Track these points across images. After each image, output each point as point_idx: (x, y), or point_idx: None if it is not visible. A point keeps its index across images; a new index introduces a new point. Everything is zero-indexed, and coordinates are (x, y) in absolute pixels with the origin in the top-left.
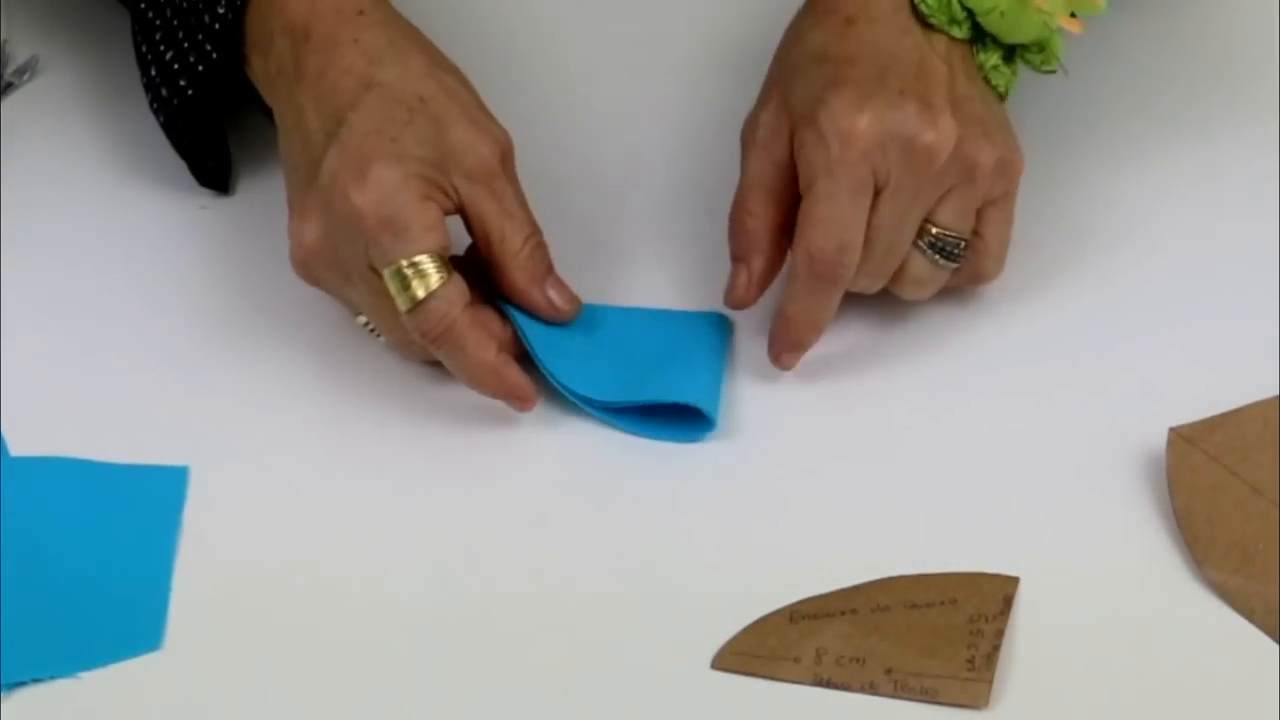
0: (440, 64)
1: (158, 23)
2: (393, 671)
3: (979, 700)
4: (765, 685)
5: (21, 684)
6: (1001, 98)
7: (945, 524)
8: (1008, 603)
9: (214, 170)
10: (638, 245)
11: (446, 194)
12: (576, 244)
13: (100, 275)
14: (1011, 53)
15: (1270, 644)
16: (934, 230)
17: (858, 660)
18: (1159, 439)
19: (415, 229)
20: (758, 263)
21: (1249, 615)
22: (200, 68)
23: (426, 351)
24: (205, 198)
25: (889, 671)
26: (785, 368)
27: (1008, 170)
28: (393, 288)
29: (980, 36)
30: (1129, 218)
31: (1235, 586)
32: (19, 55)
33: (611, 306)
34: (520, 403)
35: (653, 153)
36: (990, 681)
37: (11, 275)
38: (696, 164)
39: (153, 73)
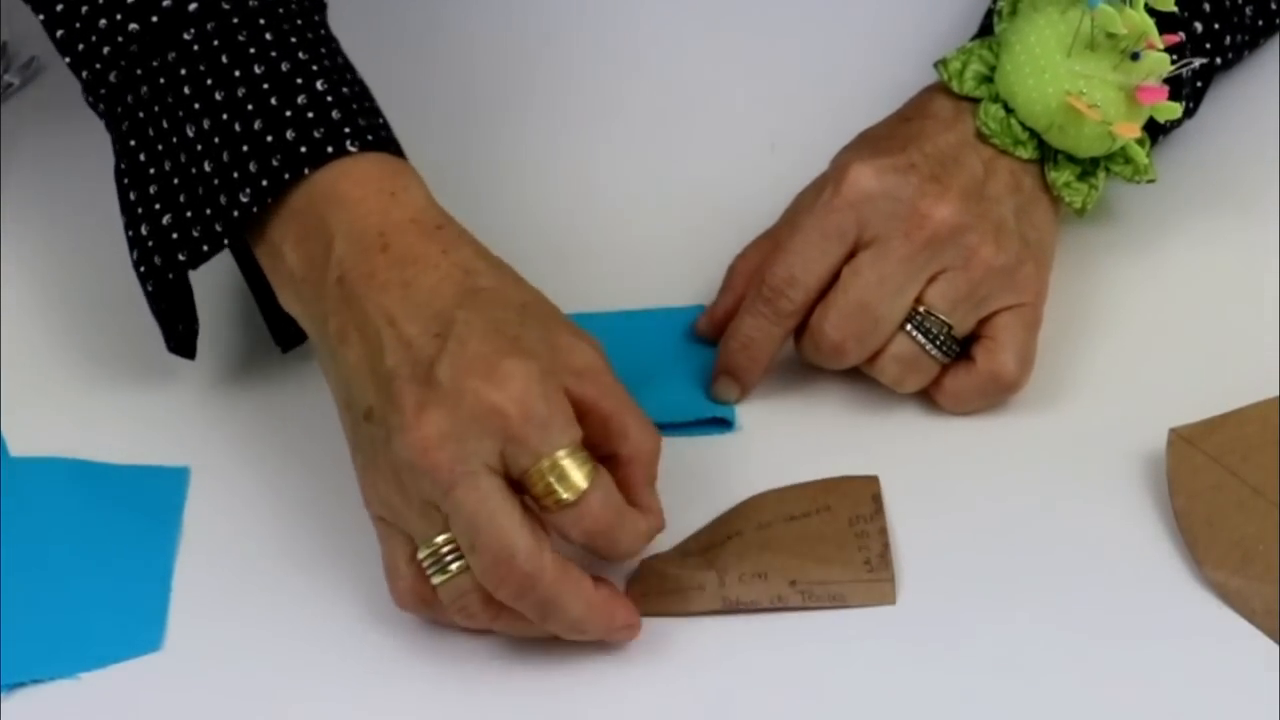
0: (518, 275)
1: (151, 171)
2: (393, 671)
3: (886, 597)
4: (678, 623)
5: (21, 684)
6: (1079, 212)
7: (944, 523)
8: (877, 501)
9: (184, 334)
10: (628, 247)
11: (567, 391)
12: (567, 247)
13: (100, 275)
14: (1092, 168)
15: (1270, 644)
16: (920, 309)
17: (760, 575)
18: (1159, 439)
19: (560, 421)
20: (725, 298)
21: (1249, 615)
22: (205, 248)
23: (518, 592)
24: None
25: (793, 583)
26: (719, 396)
27: (1018, 282)
28: (542, 484)
29: (1053, 154)
30: (1129, 218)
31: (1235, 586)
32: (19, 55)
33: (596, 314)
34: (628, 630)
35: (651, 153)
36: (892, 580)
37: (11, 275)
38: (696, 165)
39: (143, 230)
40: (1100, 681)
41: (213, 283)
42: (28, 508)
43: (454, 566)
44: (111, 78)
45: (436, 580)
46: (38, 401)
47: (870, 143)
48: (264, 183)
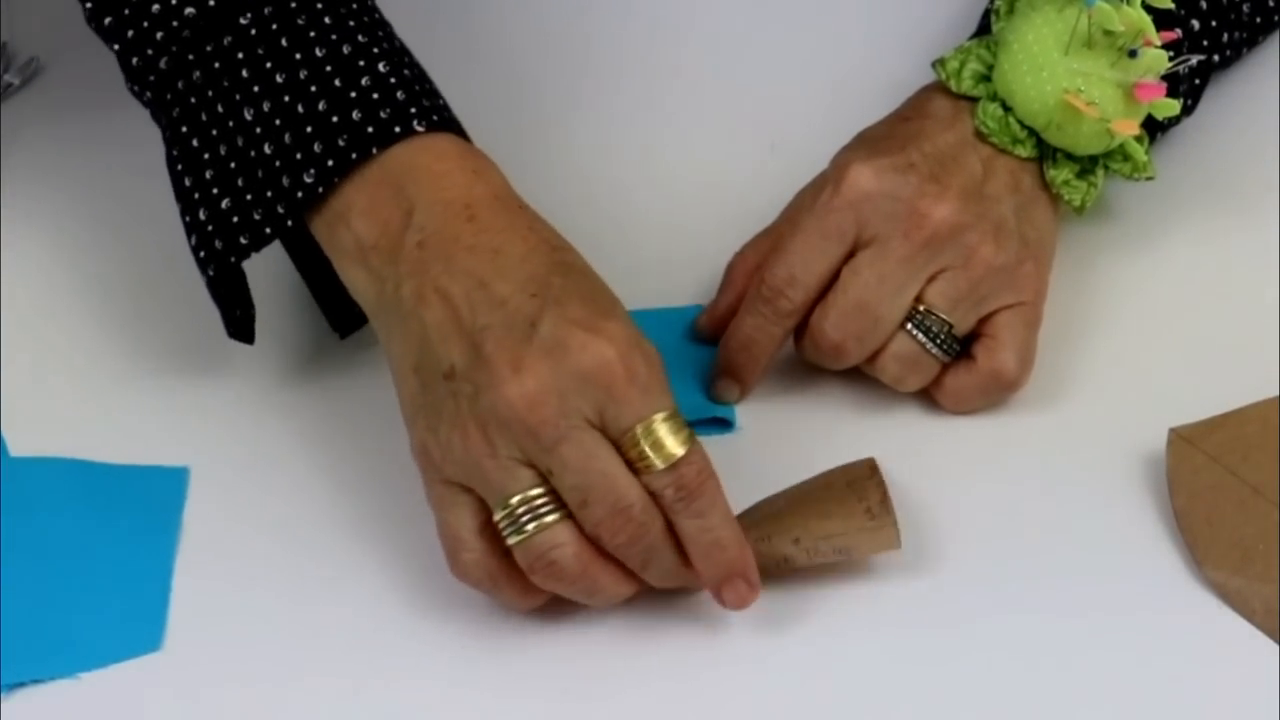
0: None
1: (206, 156)
2: (393, 671)
3: (891, 543)
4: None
5: (21, 684)
6: (1079, 210)
7: (944, 523)
8: (874, 468)
9: (242, 320)
10: (628, 247)
11: None
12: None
13: (100, 275)
14: (1091, 166)
15: (1270, 644)
16: (921, 308)
17: (764, 539)
18: (1159, 439)
19: (660, 385)
20: (724, 297)
21: (1249, 615)
22: (267, 230)
23: (636, 535)
24: None
25: (797, 541)
26: (719, 396)
27: (1018, 281)
28: (640, 446)
29: (1051, 152)
30: (1128, 216)
31: (1235, 586)
32: (19, 55)
33: None
34: (748, 590)
35: (651, 152)
36: (894, 525)
37: (11, 275)
38: (696, 165)
39: (201, 215)
40: (1100, 681)
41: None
42: (28, 508)
43: (531, 526)
44: (163, 64)
45: (513, 540)
46: (38, 401)
47: (869, 143)
48: (330, 163)
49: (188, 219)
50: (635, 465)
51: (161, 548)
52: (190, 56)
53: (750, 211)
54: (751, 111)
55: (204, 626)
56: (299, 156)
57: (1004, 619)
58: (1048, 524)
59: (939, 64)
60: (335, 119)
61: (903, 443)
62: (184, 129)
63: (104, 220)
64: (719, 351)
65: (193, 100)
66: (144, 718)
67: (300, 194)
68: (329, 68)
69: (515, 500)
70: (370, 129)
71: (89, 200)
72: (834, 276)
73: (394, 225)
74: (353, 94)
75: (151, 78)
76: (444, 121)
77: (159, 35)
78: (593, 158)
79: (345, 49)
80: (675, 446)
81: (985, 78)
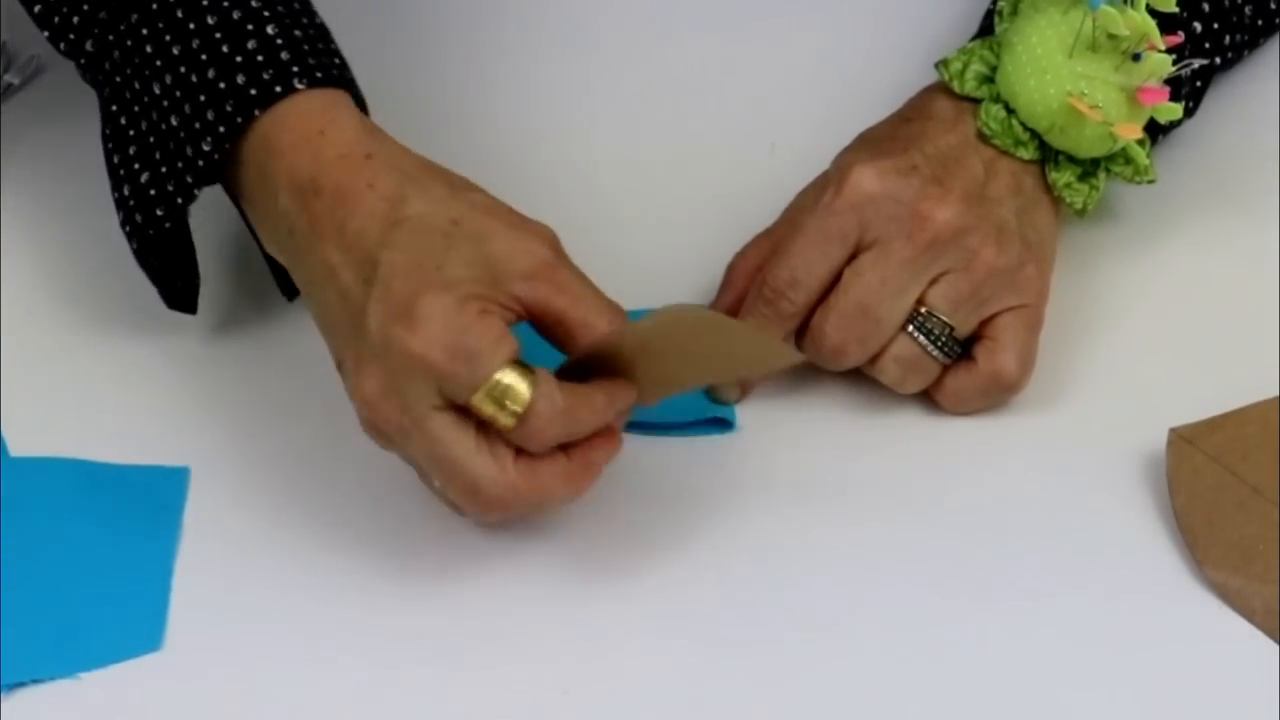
0: (462, 185)
1: (131, 133)
2: (393, 671)
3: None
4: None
5: (21, 684)
6: (1080, 213)
7: (945, 523)
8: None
9: (183, 290)
10: (628, 247)
11: (507, 306)
12: (566, 247)
13: (100, 275)
14: (1093, 169)
15: (1270, 644)
16: (922, 310)
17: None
18: (1159, 439)
19: (485, 346)
20: (725, 297)
21: (1249, 615)
22: (179, 200)
23: (501, 510)
24: None
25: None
26: (719, 397)
27: (1019, 283)
28: (489, 410)
29: (1054, 155)
30: (1129, 218)
31: (1235, 586)
32: (19, 55)
33: None
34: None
35: (650, 153)
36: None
37: (11, 275)
38: (696, 165)
39: (125, 191)
40: (1100, 681)
41: (210, 282)
42: (28, 508)
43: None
44: (89, 46)
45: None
46: (38, 401)
47: (872, 144)
48: (221, 129)
49: (115, 195)
50: (496, 427)
51: (161, 548)
52: (110, 37)
53: (750, 212)
54: (751, 112)
55: (204, 626)
56: (197, 125)
57: (1004, 619)
58: (1048, 524)
59: (942, 65)
60: (223, 85)
61: (903, 443)
62: (113, 108)
63: (104, 220)
64: None
65: (117, 79)
66: (144, 718)
67: (201, 162)
68: (219, 34)
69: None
70: (253, 91)
71: (89, 200)
72: (835, 278)
73: (271, 213)
74: (239, 58)
75: (82, 60)
76: (328, 78)
77: (77, 20)
78: (593, 157)
79: (235, 14)
80: (516, 403)
81: (988, 79)
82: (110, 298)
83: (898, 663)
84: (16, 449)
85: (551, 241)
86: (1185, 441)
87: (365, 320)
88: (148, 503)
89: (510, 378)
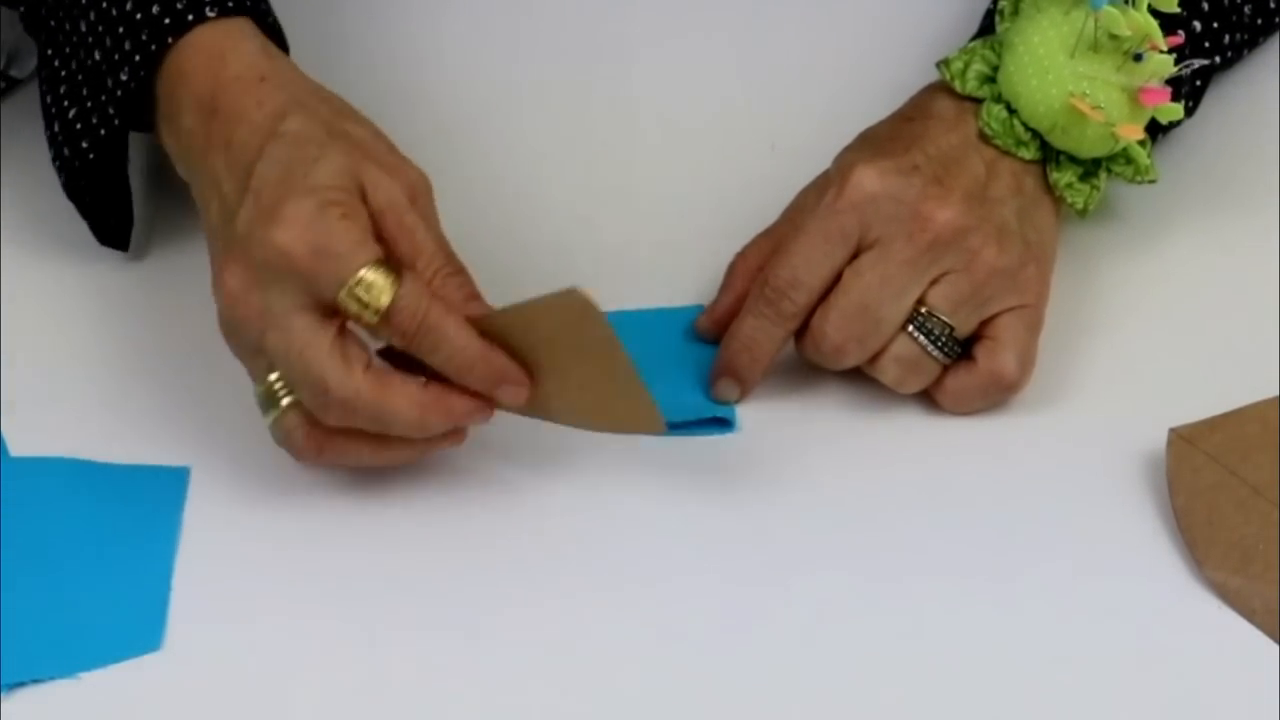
0: (348, 114)
1: (63, 74)
2: (393, 671)
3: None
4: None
5: (21, 684)
6: (1081, 213)
7: (945, 523)
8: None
9: (115, 228)
10: (628, 247)
11: (368, 216)
12: (567, 247)
13: (100, 275)
14: (1094, 169)
15: (1270, 644)
16: (922, 310)
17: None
18: (1159, 439)
19: (347, 246)
20: (725, 297)
21: (1249, 615)
22: (102, 131)
23: (344, 414)
24: None
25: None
26: (719, 397)
27: (1020, 283)
28: (353, 308)
29: (1055, 155)
30: (1129, 218)
31: (1235, 586)
32: (19, 54)
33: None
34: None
35: (651, 152)
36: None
37: (11, 274)
38: (696, 165)
39: (55, 128)
40: (1100, 681)
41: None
42: (28, 508)
43: (271, 412)
44: None
45: (266, 419)
46: (38, 401)
47: (873, 144)
48: (137, 58)
49: (47, 134)
50: (363, 324)
51: (161, 548)
52: None
53: (750, 212)
54: (751, 112)
55: (204, 626)
56: (116, 58)
57: (1004, 618)
58: (1048, 524)
59: (943, 64)
60: (139, 16)
61: (902, 443)
62: (48, 51)
63: None
64: (720, 352)
65: (51, 24)
66: (144, 718)
67: (120, 93)
68: None
69: (260, 390)
70: (167, 20)
71: None
72: (837, 278)
73: (179, 131)
74: None
75: (22, 8)
76: (239, 6)
77: None
78: (593, 157)
79: None
80: (380, 298)
81: (990, 79)
82: (110, 298)
83: (898, 661)
84: (16, 449)
85: (412, 187)
86: (1185, 441)
87: (235, 222)
88: (148, 503)
89: (373, 275)
